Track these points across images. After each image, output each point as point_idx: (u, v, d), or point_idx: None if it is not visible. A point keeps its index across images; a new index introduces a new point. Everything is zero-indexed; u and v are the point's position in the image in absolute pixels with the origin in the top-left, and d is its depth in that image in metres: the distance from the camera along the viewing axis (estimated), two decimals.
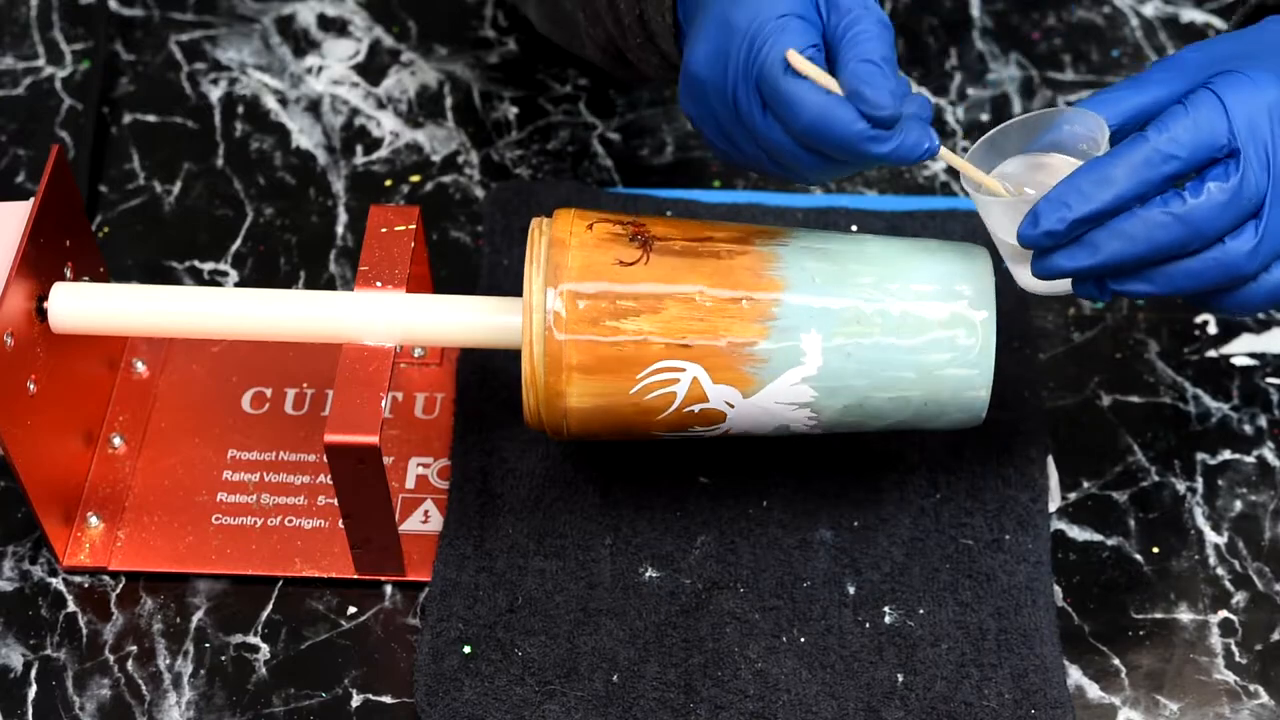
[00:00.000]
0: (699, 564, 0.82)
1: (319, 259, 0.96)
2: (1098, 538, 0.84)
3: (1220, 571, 0.82)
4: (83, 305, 0.80)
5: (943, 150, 0.71)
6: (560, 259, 0.75)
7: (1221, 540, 0.83)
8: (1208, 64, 0.71)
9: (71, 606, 0.82)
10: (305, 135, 1.02)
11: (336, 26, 1.08)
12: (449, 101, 1.04)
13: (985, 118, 1.02)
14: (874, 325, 0.74)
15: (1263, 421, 0.87)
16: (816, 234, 0.77)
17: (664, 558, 0.82)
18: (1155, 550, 0.83)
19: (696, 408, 0.76)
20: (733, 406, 0.76)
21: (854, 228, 0.94)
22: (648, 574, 0.82)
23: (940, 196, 0.98)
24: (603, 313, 0.75)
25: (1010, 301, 0.91)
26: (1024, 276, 0.73)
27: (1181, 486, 0.85)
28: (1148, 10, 1.07)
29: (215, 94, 1.04)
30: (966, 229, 0.94)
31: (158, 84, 1.05)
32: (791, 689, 0.77)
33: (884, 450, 0.86)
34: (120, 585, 0.83)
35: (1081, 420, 0.88)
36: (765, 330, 0.74)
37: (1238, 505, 0.85)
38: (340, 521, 0.81)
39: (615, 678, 0.78)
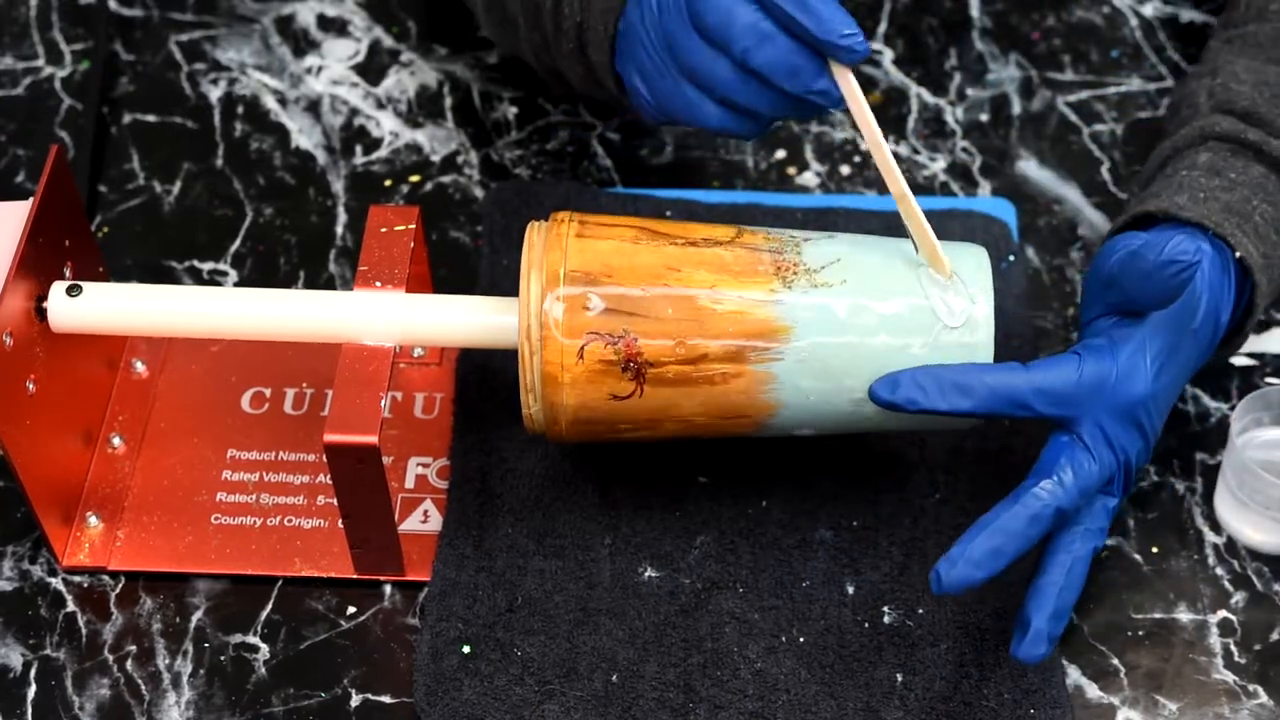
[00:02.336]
0: (698, 564, 0.82)
1: (318, 259, 0.96)
2: None
3: (1219, 571, 0.82)
4: (82, 305, 0.80)
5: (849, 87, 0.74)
6: (555, 394, 0.76)
7: (1220, 540, 0.83)
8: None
9: (71, 606, 0.82)
10: (305, 135, 1.02)
11: (336, 27, 1.08)
12: (448, 102, 1.04)
13: (984, 118, 1.02)
14: (868, 419, 0.77)
15: None
16: (817, 320, 0.75)
17: (663, 557, 0.82)
18: (1154, 550, 0.83)
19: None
20: None
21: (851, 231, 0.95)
22: (647, 574, 0.82)
23: (940, 197, 0.98)
24: (601, 431, 0.78)
25: (1010, 301, 0.91)
26: (1249, 535, 0.83)
27: (1181, 486, 0.85)
28: (1147, 10, 1.07)
29: (215, 94, 1.04)
30: (966, 228, 0.94)
31: (157, 84, 1.05)
32: (791, 689, 0.77)
33: (884, 450, 0.86)
34: (119, 585, 0.83)
35: None
36: (759, 428, 0.78)
37: None
38: (340, 521, 0.81)
39: (614, 677, 0.78)
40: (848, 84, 0.74)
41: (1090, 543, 0.75)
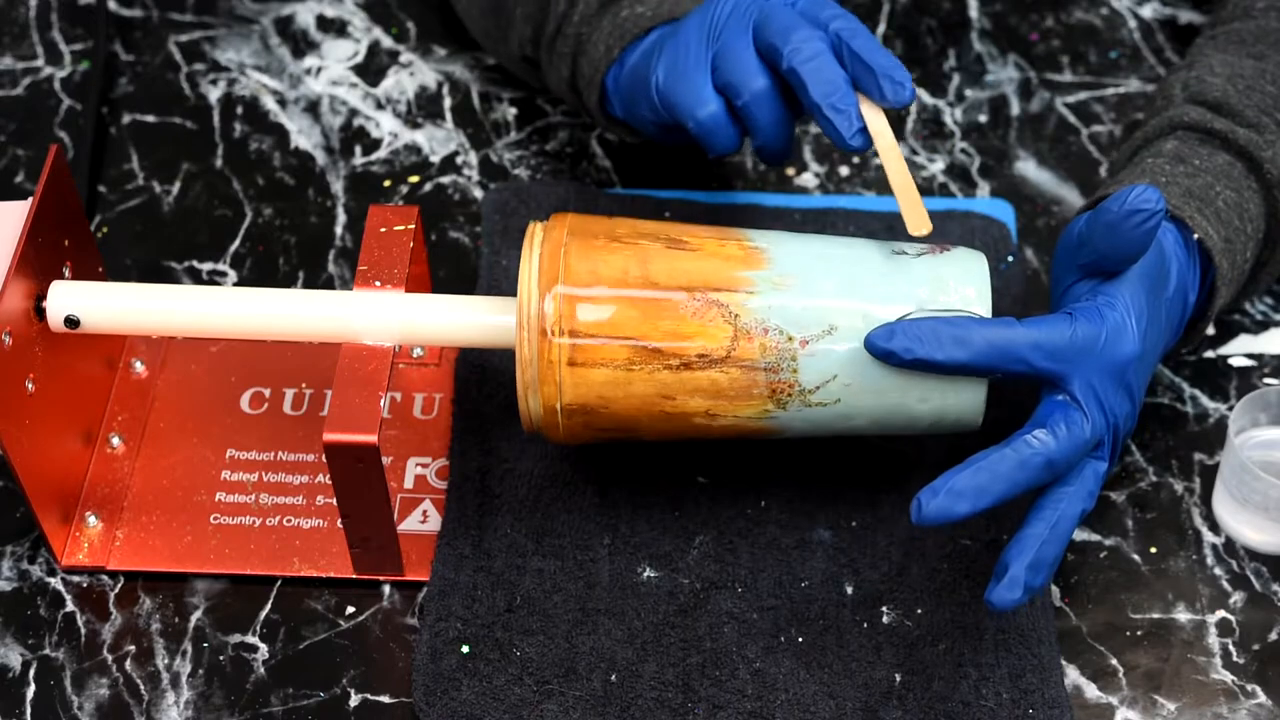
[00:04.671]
0: (697, 564, 0.82)
1: (318, 259, 0.96)
2: (1095, 538, 0.84)
3: (1218, 572, 0.83)
4: (81, 304, 0.80)
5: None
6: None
7: (1219, 540, 0.84)
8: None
9: (70, 606, 0.82)
10: (304, 136, 1.02)
11: (335, 27, 1.08)
12: (448, 102, 1.04)
13: (983, 119, 1.02)
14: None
15: None
16: (810, 428, 0.78)
17: (662, 558, 0.82)
18: (1153, 550, 0.83)
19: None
20: None
21: (851, 227, 0.95)
22: (646, 574, 0.82)
23: (939, 198, 0.98)
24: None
25: (1008, 302, 0.91)
26: (1247, 535, 0.83)
27: (1179, 487, 0.85)
28: (1146, 12, 1.07)
29: (214, 94, 1.04)
30: (965, 230, 0.94)
31: (157, 84, 1.05)
32: (789, 689, 0.78)
33: (882, 450, 0.86)
34: (119, 585, 0.83)
35: None
36: None
37: None
38: (339, 521, 0.81)
39: (613, 677, 0.78)
40: (877, 120, 0.78)
41: (1078, 505, 0.74)
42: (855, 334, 0.75)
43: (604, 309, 0.76)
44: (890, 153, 0.78)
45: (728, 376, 0.76)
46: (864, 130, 0.77)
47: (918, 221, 0.77)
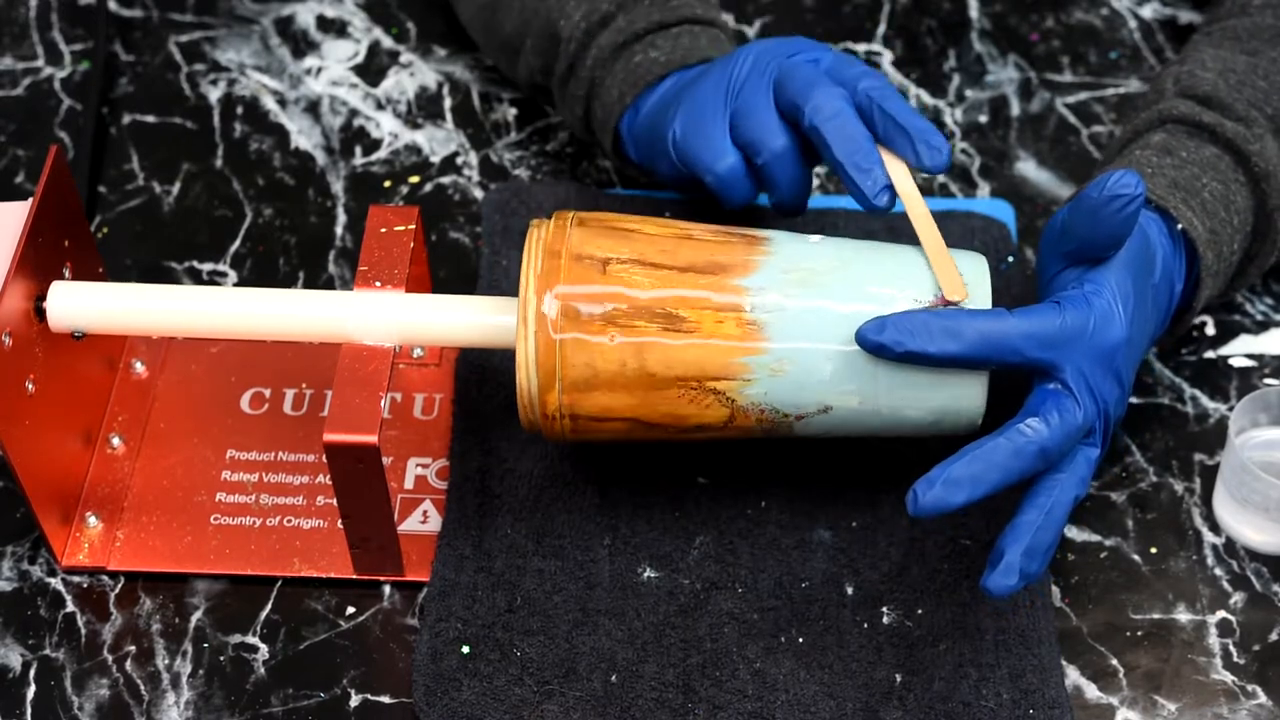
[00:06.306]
0: (697, 564, 0.82)
1: (318, 260, 0.96)
2: (1096, 538, 0.84)
3: (1218, 572, 0.83)
4: (81, 304, 0.80)
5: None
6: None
7: (1219, 541, 0.84)
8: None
9: (70, 606, 0.82)
10: (304, 136, 1.02)
11: (335, 28, 1.08)
12: (448, 102, 1.04)
13: (983, 119, 1.02)
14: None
15: None
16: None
17: (662, 558, 0.82)
18: (1153, 551, 0.83)
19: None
20: None
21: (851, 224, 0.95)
22: (646, 574, 0.82)
23: (938, 198, 0.98)
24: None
25: (1008, 302, 0.91)
26: (1248, 535, 0.83)
27: (1179, 487, 0.85)
28: (1146, 12, 1.07)
29: (214, 94, 1.04)
30: (965, 230, 0.94)
31: (157, 84, 1.05)
32: (790, 689, 0.78)
33: (883, 450, 0.86)
34: (119, 585, 0.83)
35: None
36: None
37: None
38: (339, 521, 0.81)
39: (614, 678, 0.78)
40: (905, 181, 0.78)
41: (1071, 491, 0.74)
42: (851, 412, 0.76)
43: (602, 399, 0.76)
44: (922, 219, 0.77)
45: (725, 436, 0.79)
46: (889, 188, 0.78)
47: (952, 287, 0.76)
